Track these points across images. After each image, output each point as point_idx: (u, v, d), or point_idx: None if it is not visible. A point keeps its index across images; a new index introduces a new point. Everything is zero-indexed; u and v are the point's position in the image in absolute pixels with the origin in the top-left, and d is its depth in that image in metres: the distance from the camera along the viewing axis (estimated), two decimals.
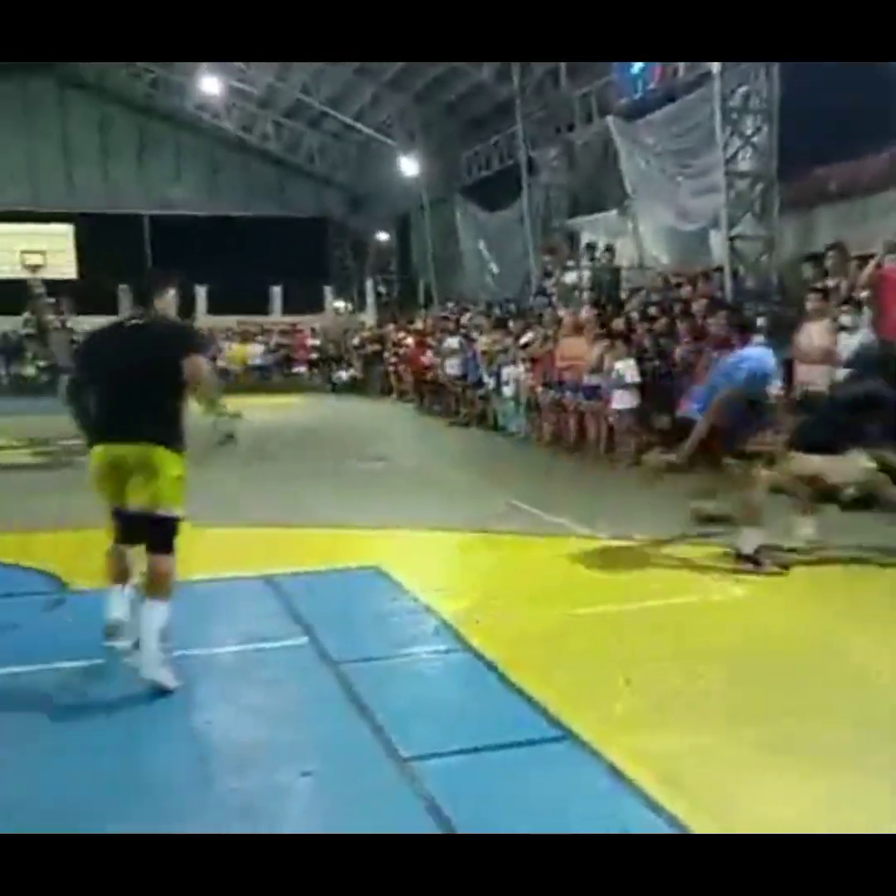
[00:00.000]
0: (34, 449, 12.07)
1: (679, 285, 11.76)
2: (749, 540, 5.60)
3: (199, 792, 2.97)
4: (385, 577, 5.48)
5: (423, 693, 3.81)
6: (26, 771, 3.10)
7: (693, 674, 3.91)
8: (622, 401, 9.98)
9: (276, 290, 29.15)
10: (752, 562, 5.55)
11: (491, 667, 4.00)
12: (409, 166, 20.96)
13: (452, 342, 15.44)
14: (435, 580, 5.56)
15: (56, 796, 2.90)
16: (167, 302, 4.36)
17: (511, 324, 13.75)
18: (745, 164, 11.48)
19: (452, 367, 15.17)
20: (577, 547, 6.23)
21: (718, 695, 3.70)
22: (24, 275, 23.46)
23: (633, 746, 3.18)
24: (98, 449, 4.13)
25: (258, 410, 17.74)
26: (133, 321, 4.25)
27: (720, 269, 11.42)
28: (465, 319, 16.59)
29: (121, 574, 4.34)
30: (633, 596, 5.14)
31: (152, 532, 4.02)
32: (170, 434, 4.03)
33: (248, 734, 3.42)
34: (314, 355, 24.85)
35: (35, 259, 23.21)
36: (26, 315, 24.01)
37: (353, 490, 8.67)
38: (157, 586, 3.96)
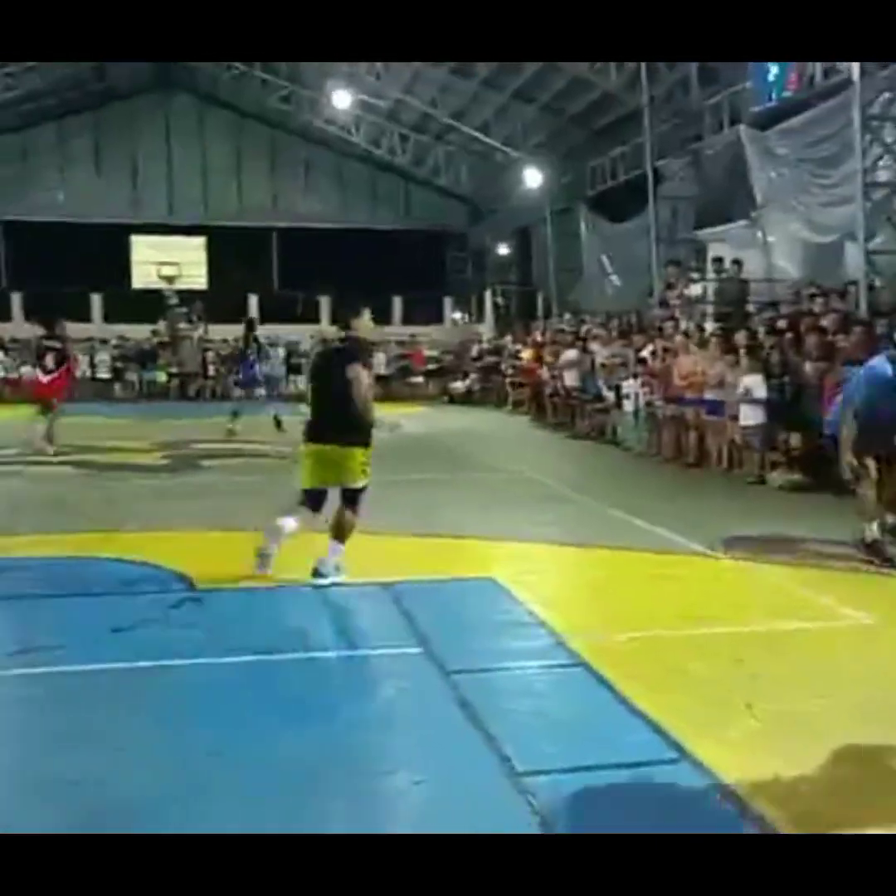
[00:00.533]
0: (164, 452, 12.57)
1: (812, 297, 11.37)
2: (870, 531, 5.90)
3: (312, 792, 3.02)
4: (500, 589, 5.48)
5: (537, 707, 3.78)
6: (143, 764, 3.21)
7: (816, 701, 3.77)
8: (749, 417, 9.72)
9: (397, 301, 29.60)
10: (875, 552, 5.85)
11: (605, 683, 3.95)
12: (533, 177, 20.97)
13: (571, 354, 15.35)
14: (550, 593, 5.53)
15: (171, 792, 3.00)
16: (363, 323, 5.63)
17: (632, 336, 13.58)
18: (883, 173, 11.03)
19: (570, 379, 15.09)
20: (696, 566, 6.09)
21: (843, 726, 3.55)
22: (160, 285, 24.52)
23: (751, 772, 3.08)
24: (310, 447, 5.69)
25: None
26: (335, 345, 5.82)
27: (855, 282, 10.99)
28: (584, 332, 16.47)
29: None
30: (753, 617, 4.99)
31: (345, 497, 5.61)
32: (356, 436, 5.48)
33: (361, 738, 3.46)
34: (431, 366, 25.11)
35: (170, 271, 24.25)
36: (160, 324, 25.11)
37: (470, 501, 8.70)
38: (340, 532, 5.57)
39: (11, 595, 5.47)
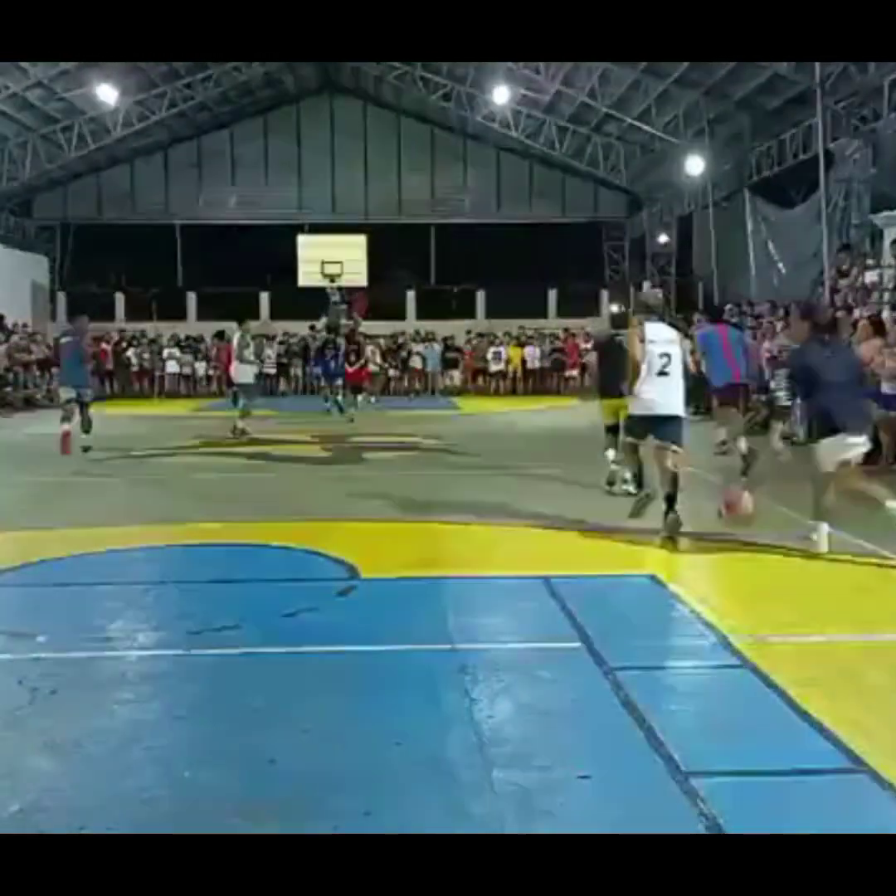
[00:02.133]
0: (326, 445, 13.00)
1: None
2: None
3: (479, 781, 3.06)
4: (661, 587, 5.39)
5: (703, 708, 3.70)
6: (331, 746, 3.34)
7: None
8: None
9: (552, 294, 29.46)
10: None
11: (774, 687, 3.82)
12: (694, 164, 20.40)
13: None
14: (712, 592, 5.39)
15: (359, 776, 3.11)
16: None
17: None
18: None
19: None
20: (872, 569, 5.79)
21: None
22: (323, 283, 25.30)
23: None
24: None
25: (534, 415, 18.08)
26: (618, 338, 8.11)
27: None
28: (749, 322, 15.90)
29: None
30: None
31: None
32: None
33: (524, 730, 3.49)
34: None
35: (333, 268, 24.97)
36: (323, 320, 25.90)
37: (623, 496, 8.56)
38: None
39: (190, 579, 5.82)
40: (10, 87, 19.94)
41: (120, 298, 28.86)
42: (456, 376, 25.10)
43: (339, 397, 17.60)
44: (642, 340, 6.61)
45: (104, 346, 23.58)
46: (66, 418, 11.57)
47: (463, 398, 23.20)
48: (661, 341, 6.72)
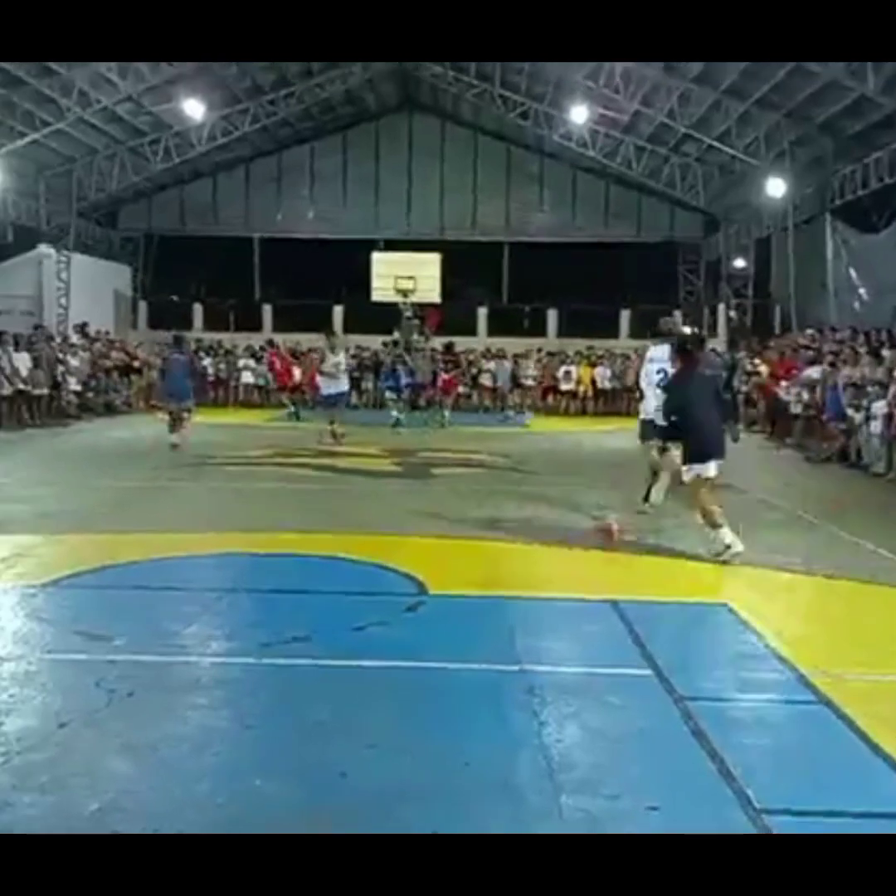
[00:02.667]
0: (395, 459, 13.07)
1: None
2: None
3: (547, 806, 3.04)
4: (734, 616, 5.29)
5: (777, 744, 3.62)
6: (397, 761, 3.35)
7: None
8: None
9: (625, 314, 29.25)
10: None
11: (851, 725, 3.72)
12: (775, 187, 20.10)
13: (813, 371, 14.57)
14: (788, 625, 5.27)
15: (425, 792, 3.12)
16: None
17: (884, 353, 12.70)
18: None
19: (812, 397, 14.31)
20: None
21: None
22: (397, 299, 25.53)
23: None
24: None
25: (603, 435, 17.94)
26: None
27: None
28: (828, 348, 15.59)
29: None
30: None
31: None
32: None
33: (593, 756, 3.46)
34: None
35: (407, 284, 25.18)
36: (395, 335, 26.13)
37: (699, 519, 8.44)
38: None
39: (260, 589, 5.91)
40: (101, 101, 20.59)
41: (198, 309, 29.50)
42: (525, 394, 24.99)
43: (408, 413, 17.92)
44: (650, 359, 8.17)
45: None
46: (172, 425, 13.81)
47: (532, 417, 23.14)
48: (658, 359, 8.02)
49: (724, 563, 6.53)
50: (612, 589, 5.78)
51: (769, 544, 7.33)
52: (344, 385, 15.25)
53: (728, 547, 6.56)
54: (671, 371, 7.51)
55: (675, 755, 3.47)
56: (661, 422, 7.35)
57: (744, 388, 19.63)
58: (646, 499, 8.25)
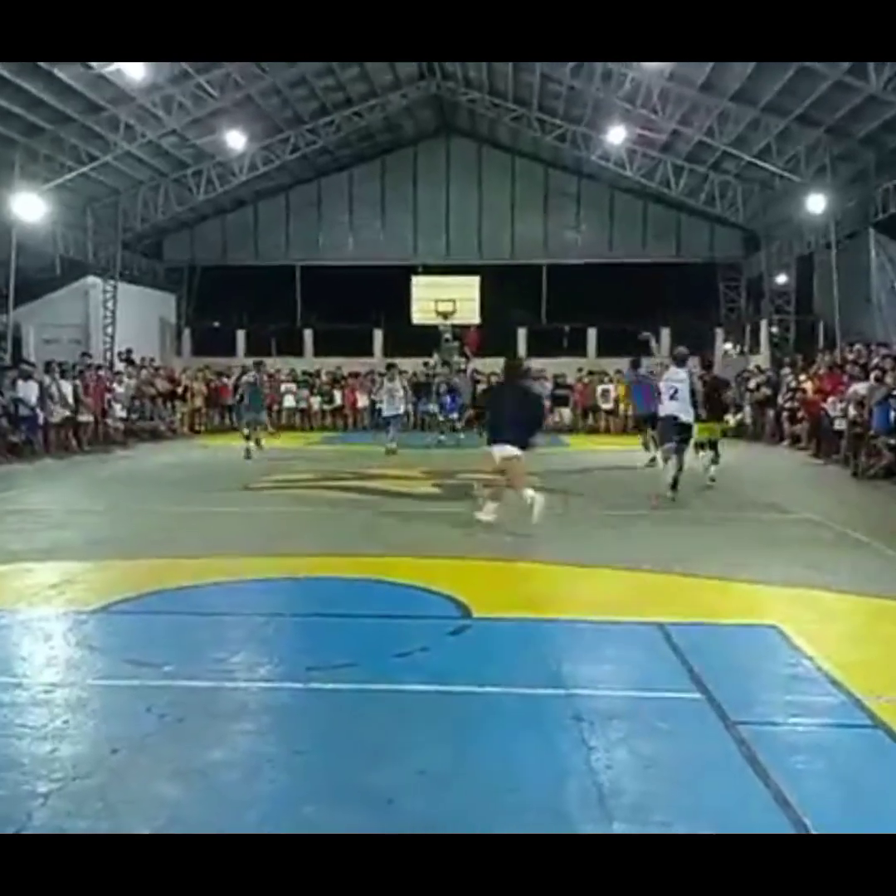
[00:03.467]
0: (435, 481, 13.08)
1: None
2: None
3: (596, 831, 3.01)
4: (784, 639, 5.20)
5: (832, 769, 3.55)
6: (446, 789, 3.34)
7: None
8: None
9: (665, 332, 29.08)
10: None
11: None
12: (816, 202, 19.94)
13: (860, 387, 14.37)
14: (841, 647, 5.17)
15: (452, 821, 3.10)
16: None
17: None
18: None
19: (859, 414, 14.10)
20: None
21: None
22: (437, 321, 25.68)
23: None
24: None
25: (644, 454, 17.79)
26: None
27: None
28: (876, 363, 15.36)
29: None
30: None
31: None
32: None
33: (644, 783, 3.40)
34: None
35: (446, 307, 25.33)
36: (435, 357, 26.25)
37: (745, 541, 8.35)
38: None
39: (304, 613, 5.94)
40: (146, 135, 21.05)
41: (241, 335, 29.91)
42: (565, 414, 24.98)
43: (450, 433, 18.24)
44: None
45: (225, 381, 24.41)
46: (247, 437, 16.58)
47: (573, 435, 23.08)
48: (672, 380, 11.23)
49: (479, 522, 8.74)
50: (658, 611, 5.72)
51: (817, 564, 7.22)
52: (400, 407, 17.75)
53: (480, 521, 8.77)
54: (681, 388, 11.07)
55: (728, 781, 3.41)
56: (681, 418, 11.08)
57: (788, 405, 19.40)
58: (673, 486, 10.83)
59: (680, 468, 10.87)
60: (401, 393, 17.68)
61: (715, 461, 11.98)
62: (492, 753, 3.62)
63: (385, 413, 17.87)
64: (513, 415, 9.01)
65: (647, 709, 4.18)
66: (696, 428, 11.42)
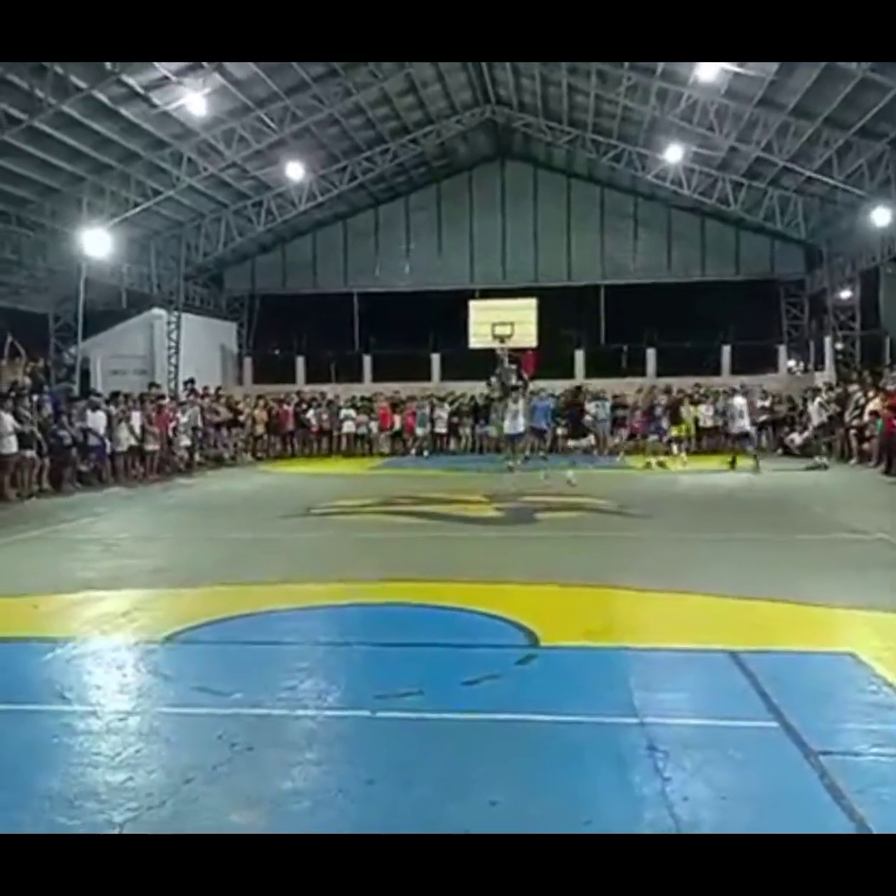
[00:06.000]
0: (497, 504, 13.03)
1: None
2: None
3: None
4: (863, 667, 5.05)
5: None
6: (522, 822, 3.30)
7: None
8: None
9: (726, 350, 28.75)
10: None
11: None
12: (880, 216, 19.56)
13: None
14: None
15: None
16: None
17: None
18: None
19: None
20: None
21: None
22: (494, 344, 25.68)
23: None
24: None
25: (707, 474, 17.53)
26: None
27: None
28: None
29: None
30: None
31: None
32: None
33: (723, 815, 3.31)
34: (764, 416, 23.85)
35: (504, 331, 25.30)
36: (492, 380, 26.21)
37: (816, 563, 8.15)
38: None
39: (370, 641, 5.93)
40: (208, 169, 21.54)
41: (300, 362, 30.30)
42: (623, 434, 24.68)
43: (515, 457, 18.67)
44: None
45: (286, 407, 24.72)
46: None
47: (634, 456, 22.83)
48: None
49: None
50: (729, 638, 5.60)
51: (892, 587, 7.01)
52: (520, 427, 19.09)
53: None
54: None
55: (809, 812, 3.31)
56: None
57: (856, 423, 18.97)
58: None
59: None
60: (521, 412, 19.19)
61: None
62: (564, 784, 3.56)
63: (508, 431, 19.43)
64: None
65: (722, 738, 4.08)
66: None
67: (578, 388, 19.75)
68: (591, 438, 18.54)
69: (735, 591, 6.94)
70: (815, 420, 19.92)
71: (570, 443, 18.38)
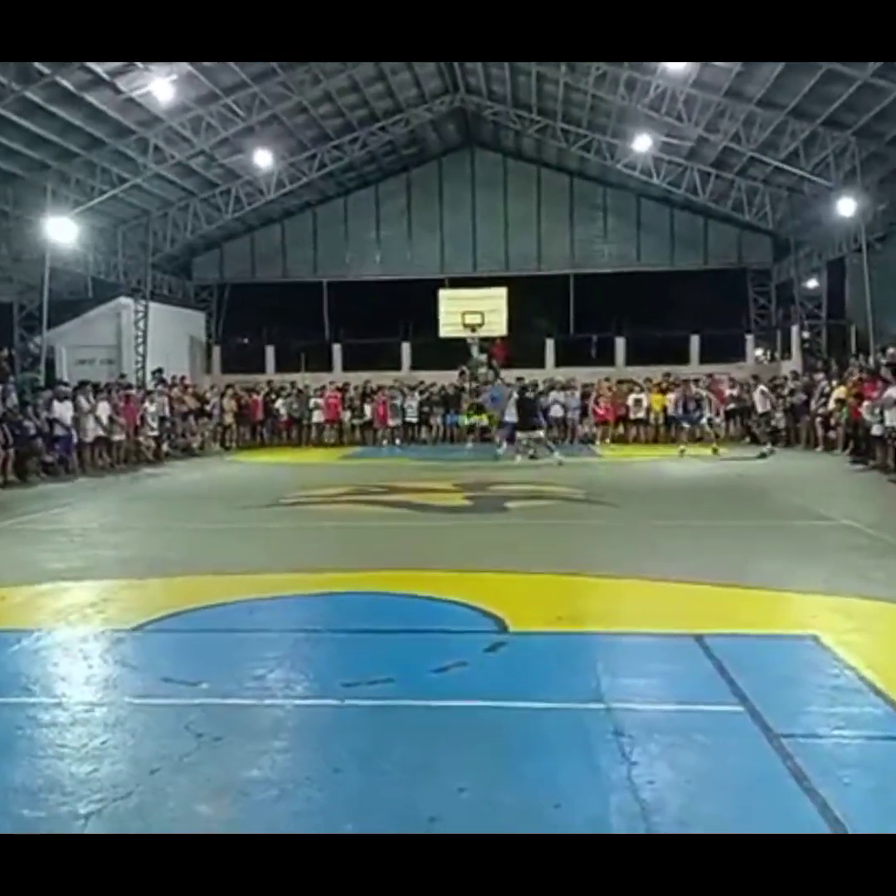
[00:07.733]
0: (467, 494, 13.04)
1: None
2: None
3: None
4: (824, 650, 5.12)
5: (881, 782, 3.47)
6: (490, 808, 3.31)
7: None
8: None
9: (694, 340, 28.94)
10: None
11: None
12: (846, 206, 19.76)
13: (894, 392, 14.17)
14: (882, 657, 5.07)
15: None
16: None
17: None
18: None
19: (894, 418, 13.91)
20: None
21: None
22: (464, 334, 25.69)
23: None
24: None
25: (675, 463, 17.68)
26: None
27: None
28: None
29: None
30: None
31: None
32: None
33: (687, 798, 3.35)
34: (732, 405, 24.04)
35: (474, 319, 25.33)
36: (462, 368, 26.26)
37: (782, 549, 8.24)
38: None
39: (339, 629, 5.93)
40: (175, 156, 21.31)
41: (270, 351, 30.11)
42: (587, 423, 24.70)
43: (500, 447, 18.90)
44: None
45: (255, 397, 24.57)
46: None
47: (603, 445, 22.96)
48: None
49: None
50: (695, 622, 5.66)
51: (855, 571, 7.11)
52: (511, 417, 18.71)
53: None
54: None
55: (772, 795, 3.35)
56: None
57: (821, 411, 19.20)
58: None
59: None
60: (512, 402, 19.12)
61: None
62: (533, 770, 3.58)
63: (507, 419, 19.28)
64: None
65: (687, 722, 4.12)
66: None
67: (524, 388, 19.81)
68: (540, 432, 18.41)
69: (701, 576, 7.01)
70: (760, 408, 20.29)
71: (519, 435, 18.26)
